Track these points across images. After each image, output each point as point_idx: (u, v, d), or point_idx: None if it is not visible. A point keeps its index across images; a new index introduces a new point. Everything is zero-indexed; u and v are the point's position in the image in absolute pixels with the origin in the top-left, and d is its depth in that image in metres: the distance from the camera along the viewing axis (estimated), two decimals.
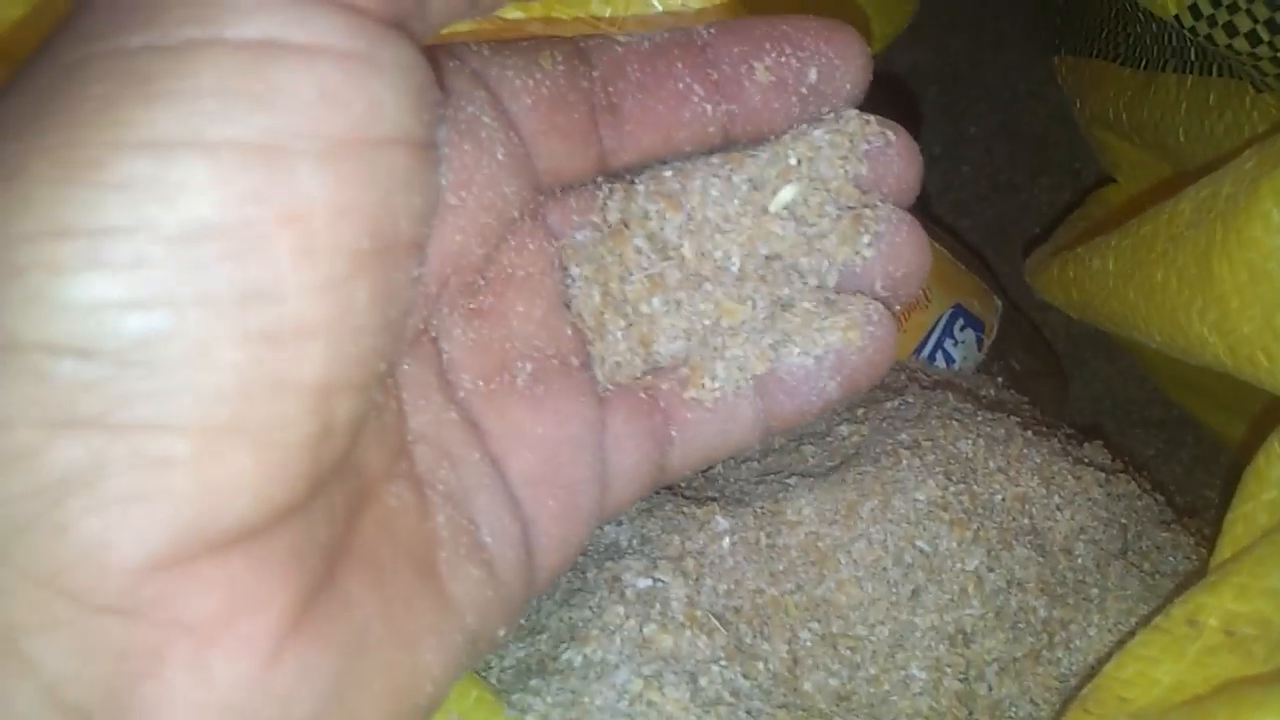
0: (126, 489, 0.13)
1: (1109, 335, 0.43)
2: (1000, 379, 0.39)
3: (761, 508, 0.28)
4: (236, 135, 0.13)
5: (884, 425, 0.30)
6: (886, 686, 0.26)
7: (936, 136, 0.55)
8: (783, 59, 0.21)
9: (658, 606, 0.26)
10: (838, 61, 0.21)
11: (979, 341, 0.40)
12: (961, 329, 0.39)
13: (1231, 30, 0.29)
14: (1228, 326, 0.25)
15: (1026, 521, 0.28)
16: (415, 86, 0.15)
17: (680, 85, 0.21)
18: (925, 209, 0.49)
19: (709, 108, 0.21)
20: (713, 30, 0.21)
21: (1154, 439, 0.45)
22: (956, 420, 0.30)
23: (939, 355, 0.39)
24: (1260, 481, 0.24)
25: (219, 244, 0.13)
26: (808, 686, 0.26)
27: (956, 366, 0.39)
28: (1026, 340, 0.42)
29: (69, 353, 0.13)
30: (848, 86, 0.21)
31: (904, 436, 0.30)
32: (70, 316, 0.13)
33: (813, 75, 0.21)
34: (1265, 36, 0.28)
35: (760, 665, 0.26)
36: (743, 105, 0.21)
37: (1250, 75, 0.31)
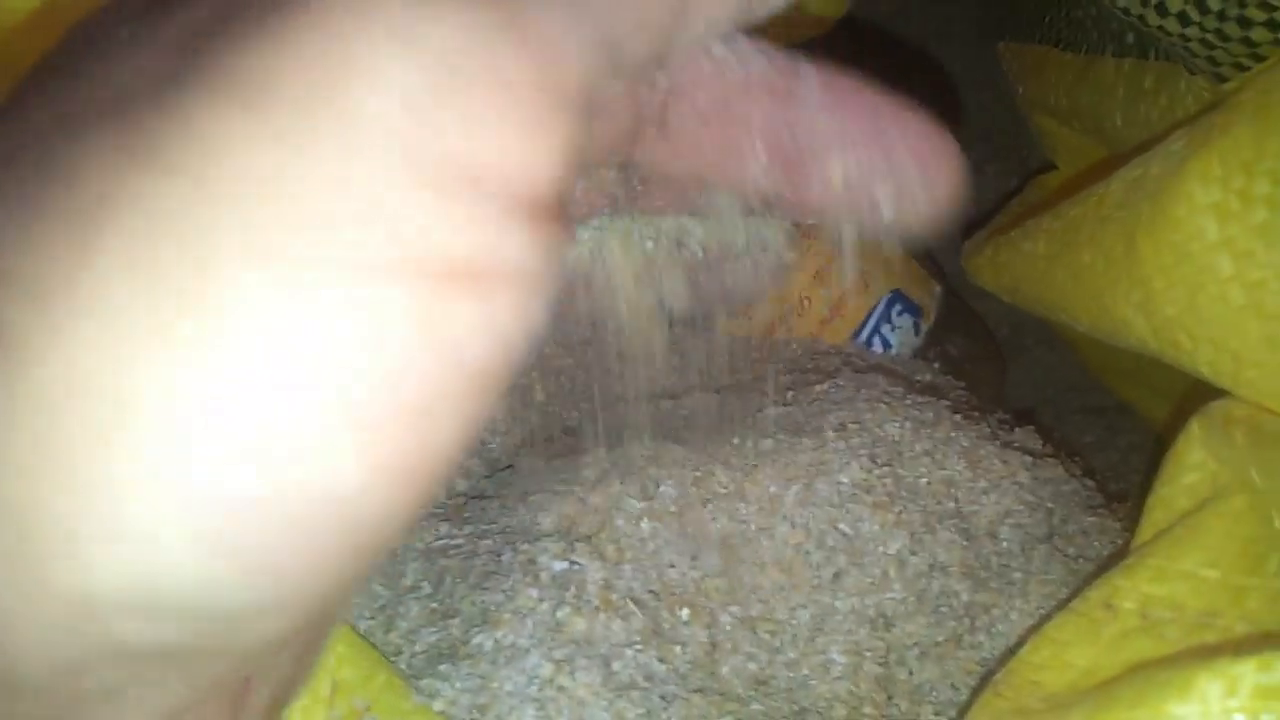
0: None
1: (1049, 322, 0.43)
2: (937, 364, 0.38)
3: (684, 490, 0.28)
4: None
5: (812, 407, 0.30)
6: (805, 670, 0.25)
7: None
8: (866, 168, 0.16)
9: (573, 589, 0.25)
10: (919, 196, 0.16)
11: (916, 327, 0.40)
12: (899, 314, 0.39)
13: (1163, 10, 0.29)
14: (1152, 308, 0.25)
15: (951, 505, 0.27)
16: (555, 297, 0.12)
17: (745, 143, 0.16)
18: None
19: (761, 177, 0.16)
20: (818, 85, 0.16)
21: (1092, 426, 0.45)
22: (885, 403, 0.30)
23: (876, 340, 0.38)
24: (1179, 465, 0.23)
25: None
26: (725, 671, 0.25)
27: (894, 352, 0.39)
28: (965, 325, 0.42)
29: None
30: (911, 225, 0.16)
31: (831, 418, 0.29)
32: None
33: (883, 203, 0.16)
34: (1195, 17, 0.28)
35: (677, 649, 0.25)
36: (796, 194, 0.16)
37: (1182, 57, 0.30)
